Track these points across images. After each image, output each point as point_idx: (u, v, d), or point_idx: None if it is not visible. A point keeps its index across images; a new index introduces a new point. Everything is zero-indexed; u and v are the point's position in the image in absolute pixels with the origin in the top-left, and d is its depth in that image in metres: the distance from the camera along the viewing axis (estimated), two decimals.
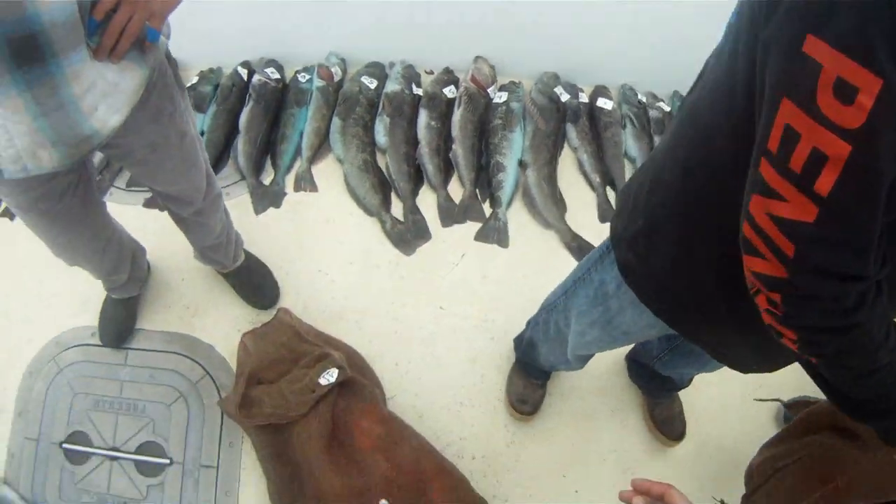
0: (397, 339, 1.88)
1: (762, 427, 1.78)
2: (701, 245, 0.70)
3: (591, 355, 1.39)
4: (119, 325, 1.85)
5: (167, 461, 1.81)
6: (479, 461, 1.69)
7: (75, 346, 1.92)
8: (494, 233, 2.01)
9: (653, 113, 2.29)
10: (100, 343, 1.89)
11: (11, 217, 2.05)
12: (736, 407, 1.79)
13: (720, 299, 0.73)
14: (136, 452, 1.82)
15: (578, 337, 1.14)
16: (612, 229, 0.88)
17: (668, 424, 1.66)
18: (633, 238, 0.81)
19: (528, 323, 1.55)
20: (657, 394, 1.67)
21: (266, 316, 1.88)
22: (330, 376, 1.70)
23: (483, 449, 1.70)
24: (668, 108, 2.30)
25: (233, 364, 1.85)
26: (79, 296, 1.92)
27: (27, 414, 1.90)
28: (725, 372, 1.09)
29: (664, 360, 1.43)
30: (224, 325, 1.88)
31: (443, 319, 1.90)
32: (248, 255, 1.87)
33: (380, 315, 1.90)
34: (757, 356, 0.82)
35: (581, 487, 1.66)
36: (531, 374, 1.66)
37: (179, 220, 1.57)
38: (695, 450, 1.71)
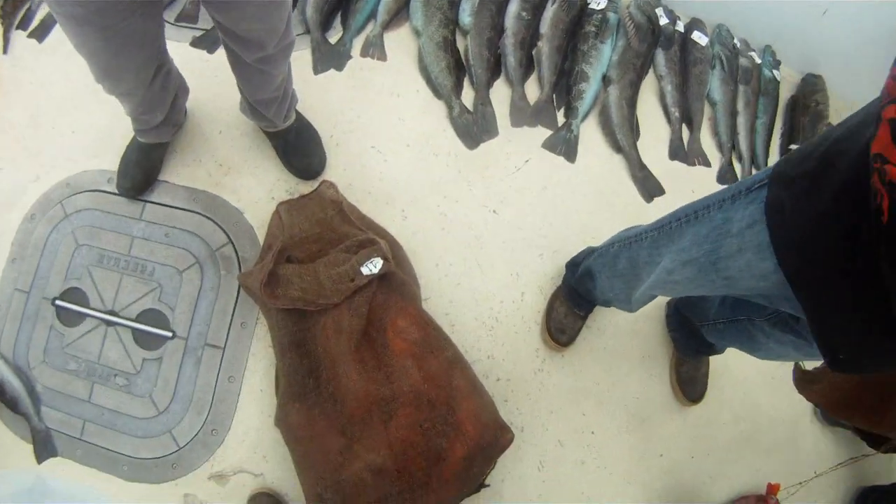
0: (442, 237, 1.63)
1: (781, 410, 1.75)
2: (851, 212, 0.64)
3: (654, 298, 1.27)
4: (142, 172, 1.59)
5: (169, 334, 1.54)
6: (503, 384, 1.56)
7: (87, 192, 1.67)
8: (563, 144, 1.79)
9: (742, 61, 2.06)
10: (116, 191, 1.64)
11: (40, 38, 1.81)
12: (760, 383, 1.74)
13: (847, 275, 0.68)
14: (136, 320, 1.56)
15: (664, 274, 1.03)
16: (777, 166, 0.80)
17: (689, 384, 1.62)
18: (798, 177, 0.75)
19: (590, 251, 1.42)
20: (690, 353, 1.59)
21: (306, 187, 1.61)
22: (373, 266, 1.41)
23: (509, 372, 1.57)
24: (758, 61, 2.08)
25: (261, 236, 1.58)
26: (100, 134, 1.67)
27: (21, 262, 1.66)
28: None
29: (718, 328, 1.33)
30: (258, 190, 1.60)
31: (493, 224, 1.67)
32: (299, 117, 1.59)
33: (428, 208, 1.64)
34: (869, 350, 0.73)
35: (597, 429, 1.59)
36: (576, 304, 1.55)
37: (238, 66, 1.30)
38: (709, 415, 1.67)
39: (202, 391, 1.51)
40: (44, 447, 1.57)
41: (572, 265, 1.53)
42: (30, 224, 1.68)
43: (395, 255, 1.52)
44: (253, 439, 1.48)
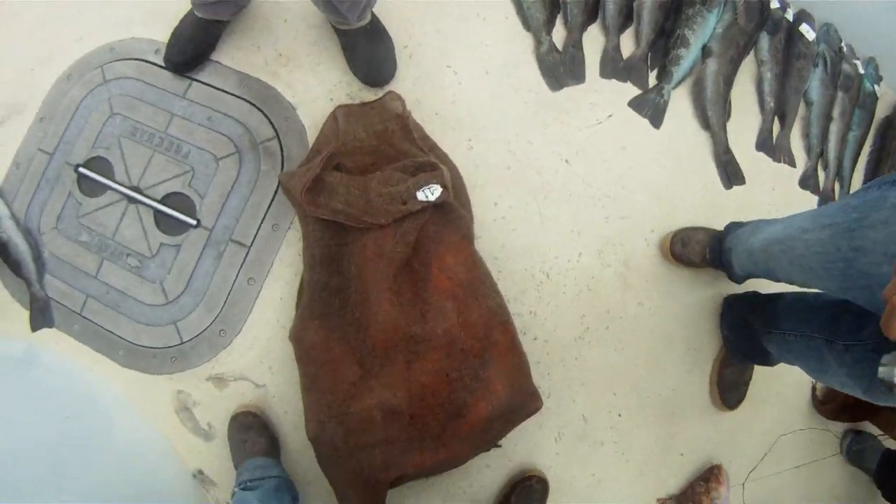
0: (506, 177, 1.51)
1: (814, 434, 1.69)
2: None
3: (757, 273, 1.23)
4: (194, 48, 1.47)
5: (193, 222, 1.44)
6: (539, 344, 1.47)
7: (132, 59, 1.56)
8: (651, 107, 1.67)
9: (845, 67, 1.93)
10: (162, 64, 1.52)
11: None
12: (799, 401, 1.69)
13: None
14: (160, 201, 1.46)
15: (797, 232, 1.02)
16: None
17: (730, 390, 1.53)
18: None
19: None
20: (738, 357, 1.50)
21: (370, 95, 1.49)
22: (430, 193, 1.30)
23: (549, 333, 1.47)
24: (861, 71, 1.95)
25: (311, 137, 1.46)
26: (156, 2, 1.55)
27: (49, 122, 1.55)
28: None
29: (787, 339, 1.19)
30: (317, 88, 1.49)
31: (564, 175, 1.54)
32: (375, 20, 1.47)
33: (497, 142, 1.52)
34: None
35: (624, 412, 1.51)
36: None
37: None
38: (739, 422, 1.60)
39: (217, 288, 1.41)
40: (40, 316, 1.48)
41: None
42: (65, 84, 1.58)
43: (454, 186, 1.41)
44: (262, 348, 1.38)
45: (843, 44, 1.97)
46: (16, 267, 1.49)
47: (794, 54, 1.85)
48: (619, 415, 1.50)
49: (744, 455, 1.60)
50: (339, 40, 1.48)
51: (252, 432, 1.30)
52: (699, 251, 1.50)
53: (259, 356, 1.38)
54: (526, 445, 1.44)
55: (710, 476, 1.51)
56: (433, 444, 1.22)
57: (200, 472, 1.40)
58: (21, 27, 1.63)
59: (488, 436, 1.27)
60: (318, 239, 1.33)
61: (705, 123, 1.70)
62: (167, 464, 1.42)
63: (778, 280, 1.20)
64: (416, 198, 1.29)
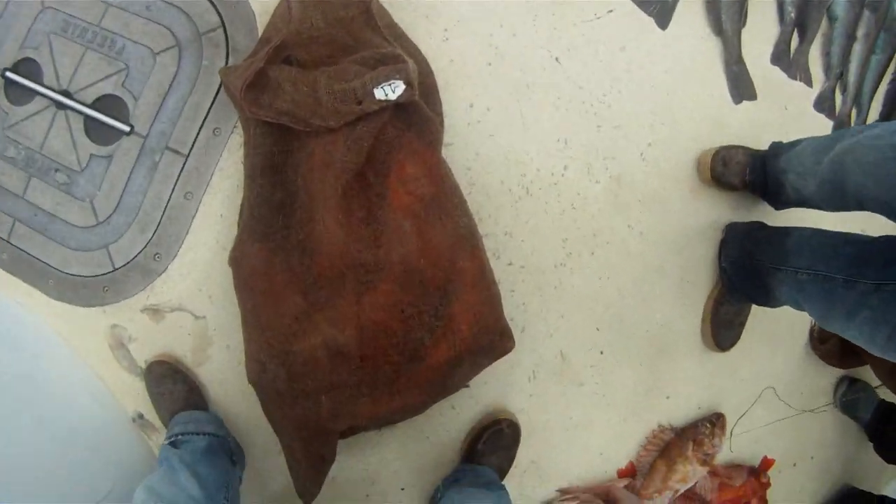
0: (486, 74, 1.27)
1: (808, 380, 1.59)
2: None
3: (818, 195, 1.10)
4: None
5: (126, 129, 1.22)
6: (514, 270, 1.29)
7: None
8: (658, 4, 1.42)
9: None
10: None
11: None
12: (793, 347, 1.55)
13: None
14: (91, 106, 1.25)
15: (870, 139, 0.94)
16: None
17: (724, 329, 1.40)
18: None
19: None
20: (736, 294, 1.34)
21: None
22: (391, 91, 1.06)
23: (525, 258, 1.29)
24: None
25: (262, 26, 1.23)
26: None
27: None
28: None
29: (798, 279, 1.06)
30: None
31: (552, 75, 1.30)
32: None
33: (477, 33, 1.27)
34: None
35: (607, 349, 1.37)
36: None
37: None
38: (730, 366, 1.46)
39: (151, 205, 1.20)
40: None
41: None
42: None
43: (422, 83, 1.17)
44: (200, 274, 1.18)
45: None
46: None
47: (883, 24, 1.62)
48: (601, 352, 1.36)
49: (732, 401, 1.49)
50: None
51: (167, 382, 1.12)
52: (739, 172, 1.31)
53: (198, 283, 1.18)
54: (496, 385, 1.27)
55: (716, 421, 1.38)
56: (386, 390, 1.02)
57: (140, 417, 1.21)
58: None
59: (451, 382, 1.07)
60: (260, 145, 1.11)
61: (718, 28, 1.46)
62: (103, 407, 1.25)
63: (844, 202, 1.02)
64: (373, 96, 1.06)
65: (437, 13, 1.25)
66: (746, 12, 1.51)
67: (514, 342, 1.13)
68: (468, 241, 1.11)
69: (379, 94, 1.07)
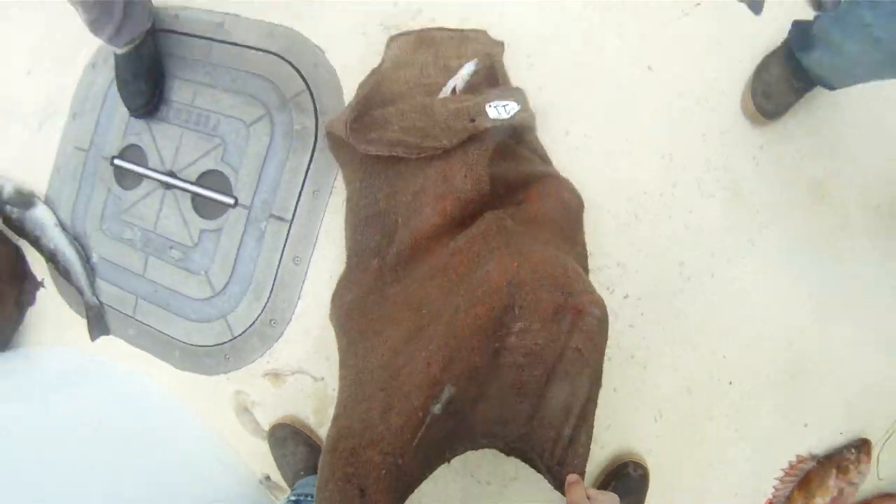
0: (577, 96, 1.29)
1: None
2: None
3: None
4: (144, 81, 1.40)
5: (231, 201, 1.35)
6: (631, 303, 1.28)
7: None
8: None
9: None
10: (182, 30, 1.45)
11: None
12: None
13: None
14: (196, 183, 1.39)
15: None
16: None
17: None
18: None
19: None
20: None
21: (406, 20, 1.31)
22: (504, 110, 1.11)
23: (641, 289, 1.28)
24: None
25: (345, 80, 1.33)
26: None
27: (82, 117, 1.55)
28: None
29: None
30: (346, 23, 1.35)
31: (646, 86, 1.30)
32: None
33: (562, 55, 1.30)
34: None
35: (737, 379, 1.29)
36: (796, 72, 1.21)
37: None
38: (872, 384, 1.31)
39: (263, 272, 1.32)
40: (97, 324, 1.48)
41: (798, 27, 1.21)
42: (91, 74, 1.56)
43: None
44: (316, 336, 1.28)
45: None
46: (66, 275, 1.50)
47: None
48: (730, 382, 1.29)
49: (877, 425, 1.34)
50: None
51: (289, 444, 1.21)
52: (786, 88, 1.23)
53: (314, 345, 1.27)
54: (620, 428, 1.25)
55: (861, 446, 1.28)
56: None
57: (268, 478, 1.32)
58: (47, 21, 1.64)
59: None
60: (364, 196, 1.19)
61: (817, 3, 1.38)
62: (232, 470, 1.37)
63: None
64: (486, 114, 1.10)
65: (517, 39, 1.30)
66: None
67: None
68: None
69: (492, 112, 1.12)
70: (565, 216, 1.16)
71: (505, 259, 0.92)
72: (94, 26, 1.27)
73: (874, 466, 1.31)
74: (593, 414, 0.99)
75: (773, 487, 1.29)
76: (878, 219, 1.32)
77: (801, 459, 1.30)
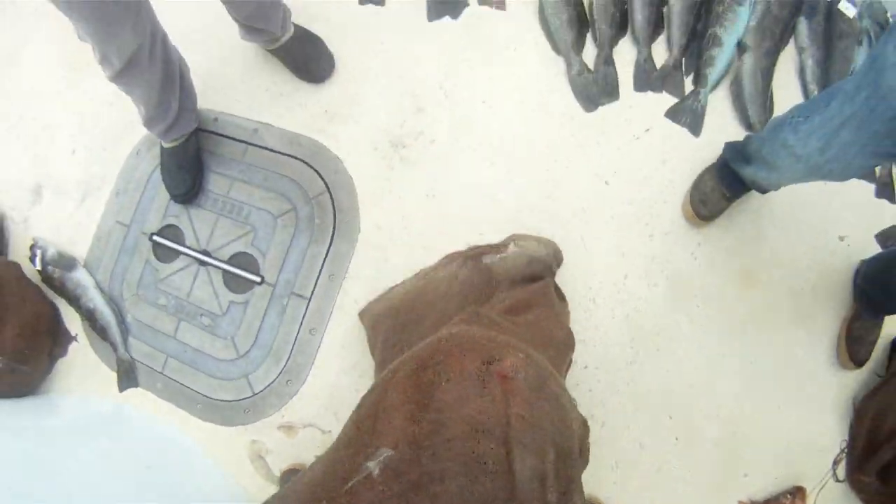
0: (547, 206, 1.62)
1: None
2: None
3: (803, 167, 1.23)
4: (187, 172, 1.68)
5: (258, 279, 1.63)
6: (591, 372, 1.56)
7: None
8: (689, 115, 1.72)
9: None
10: (220, 132, 1.76)
11: None
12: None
13: None
14: (227, 262, 1.67)
15: (833, 135, 1.08)
16: None
17: (857, 343, 1.57)
18: None
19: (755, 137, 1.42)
20: (872, 311, 1.57)
21: (408, 139, 1.65)
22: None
23: (599, 360, 1.57)
24: None
25: (359, 186, 1.65)
26: (209, 75, 1.80)
27: (124, 196, 1.82)
28: None
29: None
30: (361, 137, 1.68)
31: (604, 197, 1.64)
32: (299, 27, 1.68)
33: (536, 172, 1.64)
34: None
35: (682, 436, 1.57)
36: (725, 183, 1.53)
37: None
38: (804, 437, 1.59)
39: (283, 340, 1.60)
40: (126, 377, 1.71)
41: (732, 147, 1.52)
42: (135, 159, 1.84)
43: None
44: (326, 395, 1.55)
45: (889, 14, 1.89)
46: (102, 332, 1.74)
47: (835, 35, 1.83)
48: (676, 438, 1.55)
49: (811, 473, 1.60)
50: (279, 59, 1.69)
51: None
52: (719, 197, 1.55)
53: (324, 403, 1.54)
54: (584, 474, 1.50)
55: (795, 493, 1.54)
56: None
57: None
58: (92, 108, 1.92)
59: None
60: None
61: (747, 123, 1.72)
62: None
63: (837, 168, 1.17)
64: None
65: (499, 156, 1.65)
66: (772, 101, 1.76)
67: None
68: None
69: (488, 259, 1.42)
70: (548, 339, 1.25)
71: (442, 331, 0.98)
72: (150, 123, 1.55)
73: None
74: (580, 477, 0.99)
75: None
76: (800, 299, 1.64)
77: None
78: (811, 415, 1.61)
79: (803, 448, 1.60)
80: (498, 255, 1.44)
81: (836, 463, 1.60)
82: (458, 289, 1.42)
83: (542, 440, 0.85)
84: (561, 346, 1.28)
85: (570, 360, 1.40)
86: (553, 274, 1.48)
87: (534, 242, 1.50)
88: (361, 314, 1.52)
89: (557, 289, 1.47)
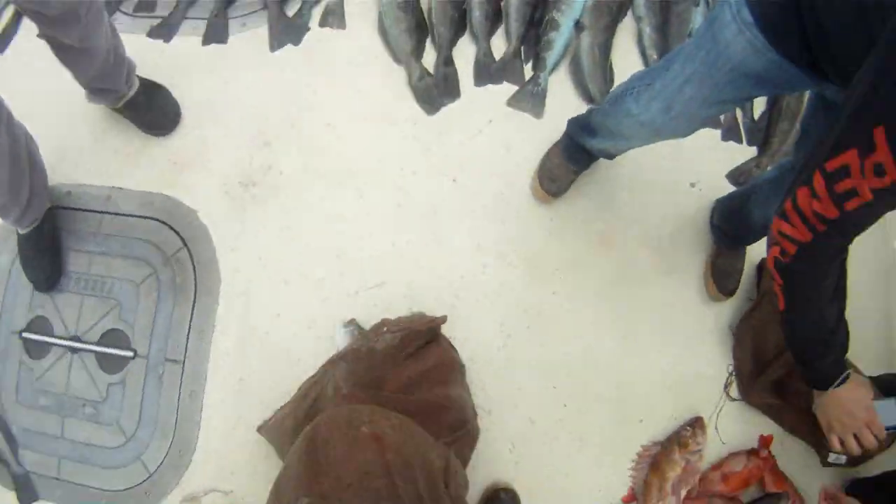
0: (398, 213, 1.61)
1: None
2: None
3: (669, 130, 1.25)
4: (45, 256, 1.59)
5: (130, 354, 1.55)
6: (468, 365, 1.51)
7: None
8: (530, 99, 1.74)
9: None
10: (75, 206, 1.68)
11: None
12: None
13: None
14: (99, 342, 1.58)
15: (676, 94, 1.13)
16: None
17: (724, 277, 1.62)
18: None
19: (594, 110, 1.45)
20: (730, 244, 1.62)
21: (264, 176, 1.60)
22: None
23: (473, 352, 1.54)
24: None
25: (215, 234, 1.58)
26: (58, 145, 1.72)
27: None
28: None
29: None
30: (211, 182, 1.62)
31: (452, 194, 1.64)
32: (143, 80, 1.62)
33: (384, 182, 1.62)
34: None
35: (570, 401, 1.57)
36: (570, 158, 1.56)
37: (62, 51, 1.36)
38: (690, 370, 1.62)
39: (166, 411, 1.50)
40: (25, 492, 1.60)
41: (575, 122, 1.54)
42: None
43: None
44: (219, 457, 1.46)
45: None
46: None
47: (671, 0, 1.87)
48: (565, 405, 1.55)
49: (705, 403, 1.61)
50: (126, 118, 1.63)
51: None
52: (566, 171, 1.58)
53: (218, 464, 1.45)
54: (483, 465, 1.48)
55: (694, 423, 1.53)
56: None
57: None
58: None
59: None
60: None
61: (589, 98, 1.76)
62: None
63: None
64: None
65: (348, 178, 1.62)
66: (612, 72, 1.79)
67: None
68: None
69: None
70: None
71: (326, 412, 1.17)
72: (3, 211, 1.45)
73: (715, 435, 1.56)
74: (447, 496, 1.12)
75: (630, 477, 1.52)
76: (661, 250, 1.66)
77: (645, 448, 1.54)
78: (693, 350, 1.62)
79: (692, 382, 1.61)
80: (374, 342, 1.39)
81: (727, 386, 1.61)
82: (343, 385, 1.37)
83: (412, 474, 1.06)
84: (453, 412, 1.35)
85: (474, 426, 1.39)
86: (437, 336, 1.43)
87: (406, 321, 1.46)
88: (259, 430, 1.46)
89: (446, 340, 1.47)
